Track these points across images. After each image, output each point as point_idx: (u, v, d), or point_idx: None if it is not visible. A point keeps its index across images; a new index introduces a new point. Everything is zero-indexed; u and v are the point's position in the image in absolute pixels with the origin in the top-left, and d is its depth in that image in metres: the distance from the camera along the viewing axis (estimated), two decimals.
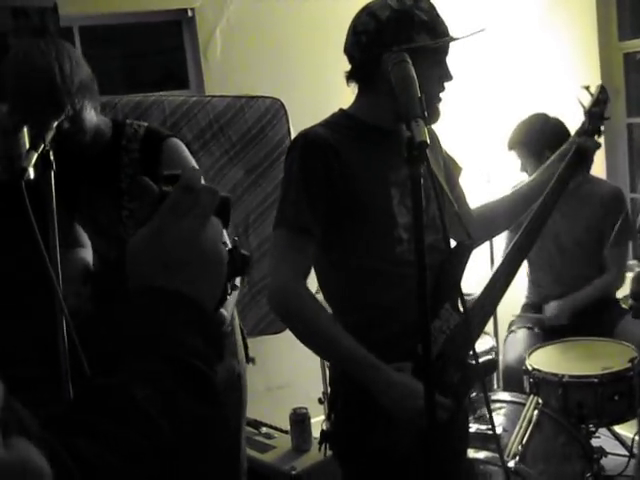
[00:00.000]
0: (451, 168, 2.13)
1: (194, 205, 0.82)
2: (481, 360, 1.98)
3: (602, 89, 2.20)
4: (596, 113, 2.17)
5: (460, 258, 1.93)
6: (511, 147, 3.34)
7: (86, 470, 0.65)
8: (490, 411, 1.67)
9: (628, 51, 3.92)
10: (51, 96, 1.92)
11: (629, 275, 3.34)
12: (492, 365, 2.06)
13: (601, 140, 2.20)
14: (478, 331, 2.04)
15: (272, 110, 3.26)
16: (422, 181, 1.29)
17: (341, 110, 1.94)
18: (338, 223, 1.82)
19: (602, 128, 2.18)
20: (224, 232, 0.87)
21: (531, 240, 2.07)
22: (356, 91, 1.91)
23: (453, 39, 1.83)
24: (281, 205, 1.85)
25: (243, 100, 3.28)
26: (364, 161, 1.82)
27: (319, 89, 3.61)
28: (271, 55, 3.75)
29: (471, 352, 1.86)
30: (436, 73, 1.82)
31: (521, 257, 2.08)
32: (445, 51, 1.84)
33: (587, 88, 2.24)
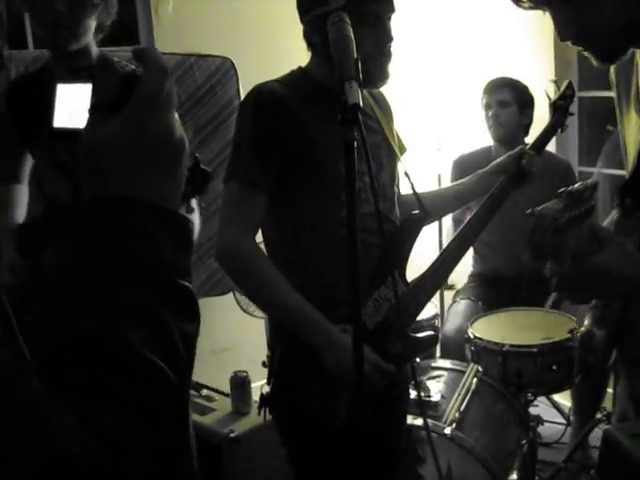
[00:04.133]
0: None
1: (168, 92, 0.70)
2: (424, 334, 1.97)
3: (569, 85, 2.27)
4: (561, 107, 2.25)
5: (411, 229, 1.94)
6: (495, 88, 3.31)
7: (112, 449, 0.56)
8: (419, 388, 1.67)
9: None
10: None
11: None
12: (434, 339, 2.06)
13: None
14: (425, 301, 2.03)
15: (222, 69, 3.21)
16: (367, 146, 1.26)
17: (300, 68, 1.92)
18: (288, 181, 1.81)
19: (566, 123, 2.27)
20: None
21: (475, 233, 2.11)
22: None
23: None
24: (233, 158, 1.83)
25: (192, 58, 3.21)
26: (318, 121, 1.80)
27: (271, 50, 3.55)
28: (223, 14, 3.67)
29: (412, 324, 1.88)
30: (371, 37, 1.78)
31: (468, 243, 2.11)
32: (377, 14, 1.80)
33: (555, 82, 2.29)
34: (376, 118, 1.98)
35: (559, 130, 2.26)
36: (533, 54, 3.96)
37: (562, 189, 1.36)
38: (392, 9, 1.85)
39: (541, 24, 3.89)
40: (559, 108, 2.24)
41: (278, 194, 1.82)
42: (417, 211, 1.95)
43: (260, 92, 1.82)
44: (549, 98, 2.26)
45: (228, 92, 3.19)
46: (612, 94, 1.69)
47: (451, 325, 3.26)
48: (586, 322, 1.59)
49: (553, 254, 1.33)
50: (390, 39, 1.84)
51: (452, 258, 2.03)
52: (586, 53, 1.39)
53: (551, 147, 3.92)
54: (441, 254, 2.04)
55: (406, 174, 2.00)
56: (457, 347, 3.00)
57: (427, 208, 2.03)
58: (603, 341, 1.55)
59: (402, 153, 2.13)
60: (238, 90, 3.19)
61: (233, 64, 3.24)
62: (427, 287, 1.99)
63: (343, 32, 1.29)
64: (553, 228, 1.33)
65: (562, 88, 2.27)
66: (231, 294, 3.40)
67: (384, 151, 1.96)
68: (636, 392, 1.60)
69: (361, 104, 1.12)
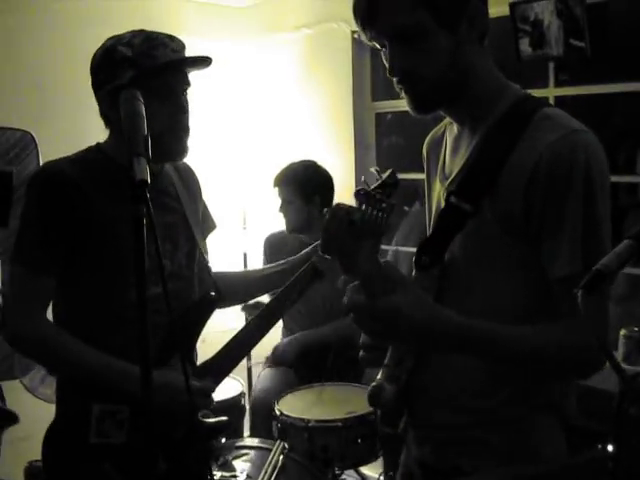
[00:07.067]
0: (207, 222, 2.15)
1: None
2: (215, 420, 1.95)
3: (392, 174, 2.29)
4: (377, 194, 2.25)
5: (202, 309, 1.94)
6: (280, 184, 3.35)
7: None
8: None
9: (379, 111, 4.18)
10: None
11: None
12: (228, 424, 2.03)
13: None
14: (219, 381, 2.02)
15: (21, 143, 3.09)
16: (155, 224, 1.25)
17: (96, 144, 1.90)
18: (76, 262, 1.79)
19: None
20: None
21: (275, 316, 2.08)
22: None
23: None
24: (19, 241, 1.80)
25: None
26: (108, 199, 1.78)
27: (75, 123, 3.49)
28: (23, 85, 3.57)
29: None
30: (164, 110, 1.80)
31: (268, 326, 2.07)
32: (169, 88, 1.82)
33: (377, 171, 2.33)
34: (176, 196, 1.98)
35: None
36: (335, 136, 4.15)
37: (359, 187, 1.43)
38: (186, 82, 1.87)
39: (343, 107, 4.13)
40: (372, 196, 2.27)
41: (66, 274, 1.80)
42: (212, 292, 1.96)
43: (47, 172, 1.80)
44: (367, 185, 2.30)
45: (27, 167, 3.06)
46: (407, 176, 1.78)
47: (261, 390, 3.28)
48: (378, 377, 1.59)
49: (343, 255, 1.40)
50: (184, 112, 1.85)
51: (250, 338, 2.04)
52: (405, 97, 1.47)
53: None
54: (238, 334, 2.04)
55: (207, 266, 2.02)
56: (269, 411, 2.98)
57: (231, 290, 2.05)
58: (393, 396, 1.55)
59: (211, 230, 2.14)
60: (39, 165, 3.07)
61: (33, 138, 3.13)
62: (221, 367, 1.99)
63: (133, 108, 1.29)
64: (348, 220, 1.40)
65: (384, 176, 2.31)
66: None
67: (182, 230, 1.96)
68: (425, 457, 1.60)
69: (149, 180, 1.12)
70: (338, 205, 1.58)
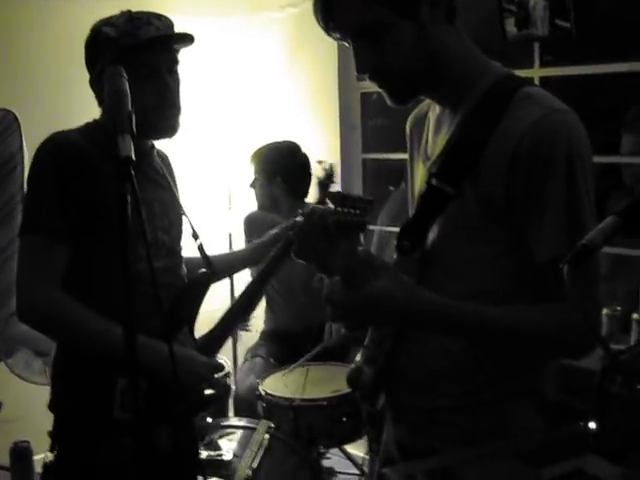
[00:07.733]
0: None
1: None
2: (207, 392, 1.97)
3: (330, 166, 2.31)
4: (326, 185, 2.30)
5: (199, 287, 1.96)
6: (250, 159, 3.40)
7: None
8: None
9: (365, 91, 4.16)
10: None
11: None
12: (216, 397, 2.05)
13: (338, 174, 2.33)
14: (215, 352, 2.07)
15: (4, 123, 3.08)
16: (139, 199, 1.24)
17: (95, 120, 1.90)
18: (83, 234, 1.78)
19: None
20: None
21: (256, 294, 2.18)
22: None
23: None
24: (31, 209, 1.79)
25: None
26: (110, 176, 1.76)
27: (58, 103, 3.47)
28: (6, 65, 3.53)
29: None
30: (150, 88, 1.81)
31: (253, 303, 2.19)
32: (152, 65, 1.82)
33: (320, 162, 2.36)
34: (164, 176, 2.00)
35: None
36: (319, 116, 4.14)
37: (336, 190, 1.41)
38: (172, 60, 1.87)
39: (328, 87, 4.12)
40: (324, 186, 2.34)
41: (76, 247, 1.78)
42: (204, 270, 1.97)
43: (60, 141, 1.80)
44: (318, 178, 2.33)
45: (10, 146, 3.06)
46: (392, 156, 1.77)
47: (242, 384, 3.26)
48: (357, 359, 1.57)
49: (319, 258, 1.37)
50: (170, 89, 1.85)
51: (235, 317, 2.10)
52: (381, 90, 1.44)
53: None
54: (225, 314, 2.08)
55: (195, 235, 2.03)
56: (249, 405, 3.00)
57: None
58: (371, 378, 1.53)
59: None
60: (21, 144, 3.06)
61: (16, 117, 3.11)
62: (215, 342, 2.04)
63: (116, 86, 1.28)
64: (322, 226, 1.36)
65: (328, 169, 2.34)
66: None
67: (173, 208, 1.98)
68: (402, 438, 1.59)
69: (133, 157, 1.12)
70: (312, 209, 1.56)
